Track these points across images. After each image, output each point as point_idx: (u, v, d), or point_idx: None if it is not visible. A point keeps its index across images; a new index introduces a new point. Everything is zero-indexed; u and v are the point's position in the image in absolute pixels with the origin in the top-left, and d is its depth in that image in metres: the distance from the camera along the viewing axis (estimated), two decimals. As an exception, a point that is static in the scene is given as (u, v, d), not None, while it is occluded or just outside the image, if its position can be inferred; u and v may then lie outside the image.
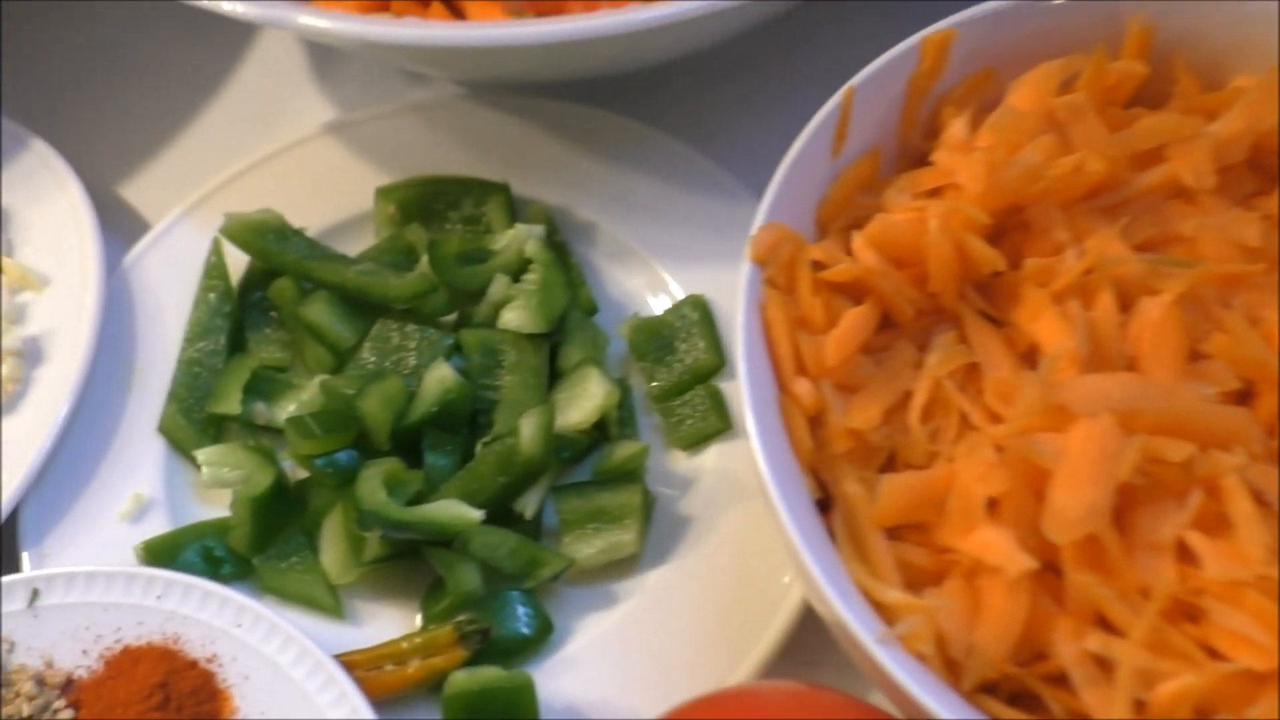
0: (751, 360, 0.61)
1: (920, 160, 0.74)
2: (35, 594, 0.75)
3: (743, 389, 0.60)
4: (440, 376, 0.82)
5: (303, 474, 0.83)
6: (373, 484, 0.75)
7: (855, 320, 0.63)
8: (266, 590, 0.79)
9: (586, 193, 0.92)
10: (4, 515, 0.79)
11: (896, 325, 0.67)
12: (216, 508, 0.84)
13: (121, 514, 0.82)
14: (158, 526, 0.81)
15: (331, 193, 0.95)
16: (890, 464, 0.63)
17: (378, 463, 0.77)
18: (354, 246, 0.92)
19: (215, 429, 0.86)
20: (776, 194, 0.65)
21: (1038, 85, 0.70)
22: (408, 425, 0.81)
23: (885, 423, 0.62)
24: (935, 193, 0.70)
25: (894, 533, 0.61)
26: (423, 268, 0.89)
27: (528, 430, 0.76)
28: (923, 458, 0.62)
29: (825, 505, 0.63)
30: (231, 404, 0.84)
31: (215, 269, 0.90)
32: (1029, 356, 0.66)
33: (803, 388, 0.61)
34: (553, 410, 0.77)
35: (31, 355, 0.88)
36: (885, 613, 0.57)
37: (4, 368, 0.87)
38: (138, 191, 1.02)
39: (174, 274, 0.92)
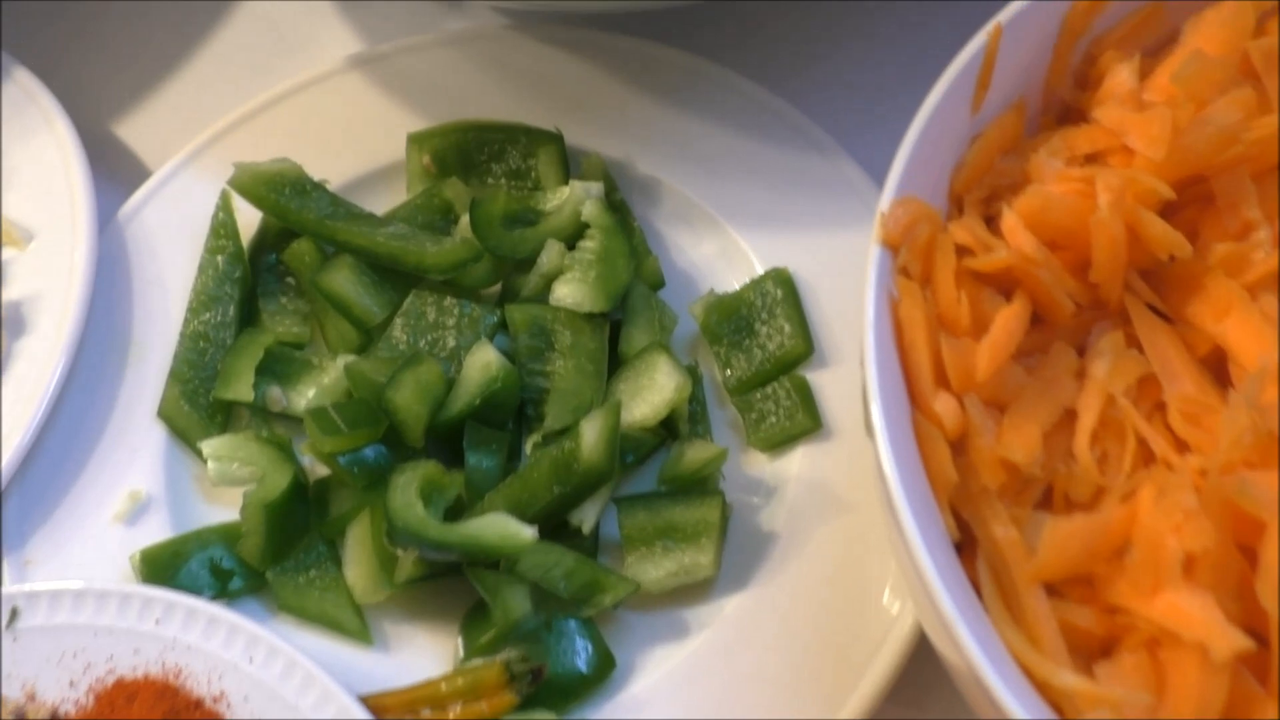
0: (883, 369, 0.49)
1: (1068, 116, 0.61)
2: (15, 613, 0.65)
3: (872, 406, 0.48)
4: (484, 362, 0.70)
5: (323, 470, 0.72)
6: (407, 494, 0.64)
7: (1010, 322, 0.50)
8: (282, 609, 0.69)
9: (648, 143, 0.80)
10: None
11: (1047, 322, 0.55)
12: (225, 508, 0.73)
13: (115, 515, 0.71)
14: (157, 530, 0.71)
15: (356, 139, 0.82)
16: (1046, 499, 0.51)
17: (412, 466, 0.66)
18: (382, 203, 0.80)
19: (223, 415, 0.74)
20: (910, 158, 0.53)
21: (1227, 25, 0.57)
22: (446, 420, 0.69)
23: (1042, 448, 0.50)
24: (1093, 158, 0.57)
25: (1051, 585, 0.50)
26: (463, 231, 0.77)
27: (590, 435, 0.65)
28: (1089, 493, 0.50)
29: (960, 545, 0.52)
30: (243, 388, 0.72)
31: (223, 227, 0.78)
32: (1211, 363, 0.54)
33: (945, 405, 0.49)
34: (618, 411, 0.66)
35: (13, 323, 0.76)
36: (1050, 694, 0.46)
37: (-19, 340, 0.76)
38: (135, 133, 0.90)
39: (177, 231, 0.80)
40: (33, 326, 0.76)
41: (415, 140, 0.81)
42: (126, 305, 0.78)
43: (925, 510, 0.49)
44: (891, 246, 0.52)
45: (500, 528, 0.63)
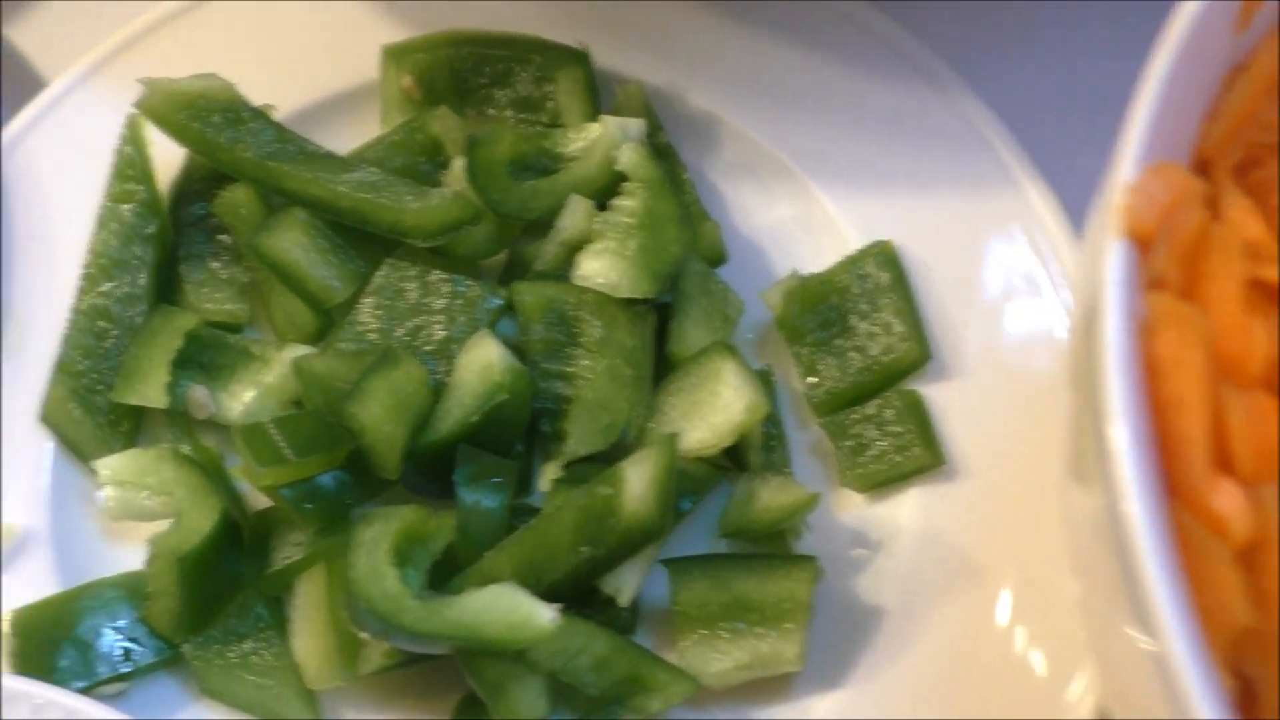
0: (1137, 436, 0.31)
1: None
2: None
3: (1130, 504, 0.31)
4: (485, 362, 0.52)
5: (264, 500, 0.54)
6: (374, 557, 0.46)
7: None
8: (206, 693, 0.51)
9: (703, 68, 0.61)
10: None
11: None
12: (130, 547, 0.55)
13: (-19, 556, 0.53)
14: (36, 578, 0.52)
15: (313, 52, 0.62)
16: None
17: (383, 514, 0.48)
18: (347, 139, 0.61)
19: (131, 423, 0.55)
20: (1161, 99, 0.34)
21: None
22: (432, 443, 0.51)
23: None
24: None
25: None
26: (456, 180, 0.58)
27: (636, 484, 0.46)
28: None
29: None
30: (153, 388, 0.53)
31: (131, 166, 0.58)
32: None
33: (1229, 500, 0.32)
34: (675, 450, 0.48)
35: None
36: None
37: None
38: (22, 35, 0.69)
39: (70, 169, 0.60)
40: None
41: (393, 55, 0.61)
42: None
43: (1192, 655, 0.32)
44: (1142, 242, 0.34)
45: (507, 611, 0.45)
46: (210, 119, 0.57)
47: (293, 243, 0.56)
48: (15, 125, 0.61)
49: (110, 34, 0.65)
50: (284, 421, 0.50)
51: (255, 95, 0.59)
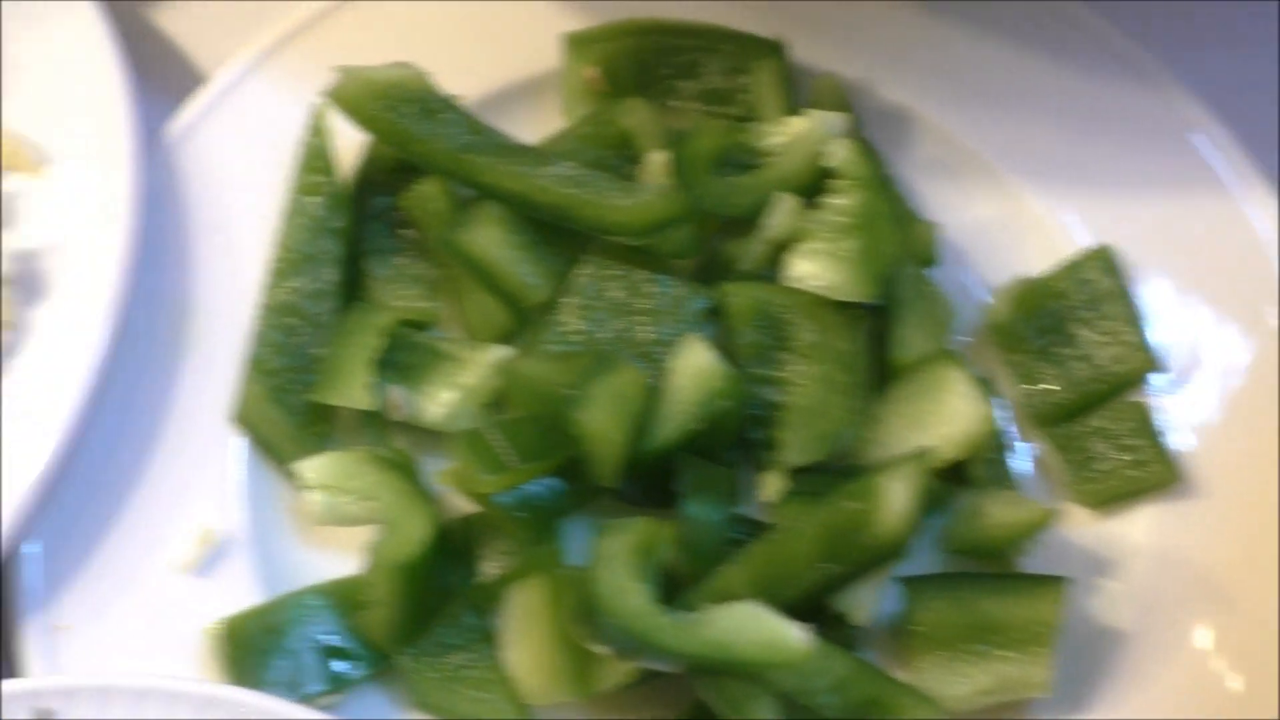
0: None
1: None
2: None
3: None
4: (699, 367, 0.50)
5: (459, 502, 0.52)
6: (616, 573, 0.44)
7: None
8: (420, 706, 0.49)
9: (894, 59, 0.59)
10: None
11: None
12: (327, 551, 0.53)
13: (180, 563, 0.51)
14: (238, 584, 0.51)
15: (489, 40, 0.60)
16: None
17: (619, 527, 0.46)
18: (526, 130, 0.59)
19: (324, 422, 0.54)
20: None
21: None
22: (652, 450, 0.49)
23: None
24: None
25: None
26: (651, 174, 0.56)
27: (899, 499, 0.44)
28: None
29: None
30: (356, 390, 0.51)
31: (317, 159, 0.56)
32: None
33: None
34: (928, 461, 0.46)
35: (27, 282, 0.54)
36: None
37: (-18, 308, 0.55)
38: (183, 23, 0.66)
39: (245, 158, 0.58)
40: (55, 287, 0.54)
41: (576, 44, 0.59)
42: (181, 261, 0.56)
43: None
44: None
45: (759, 631, 0.43)
46: (403, 109, 0.55)
47: (491, 239, 0.54)
48: (186, 116, 0.59)
49: (259, 19, 0.64)
50: (504, 427, 0.49)
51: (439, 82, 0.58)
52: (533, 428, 0.49)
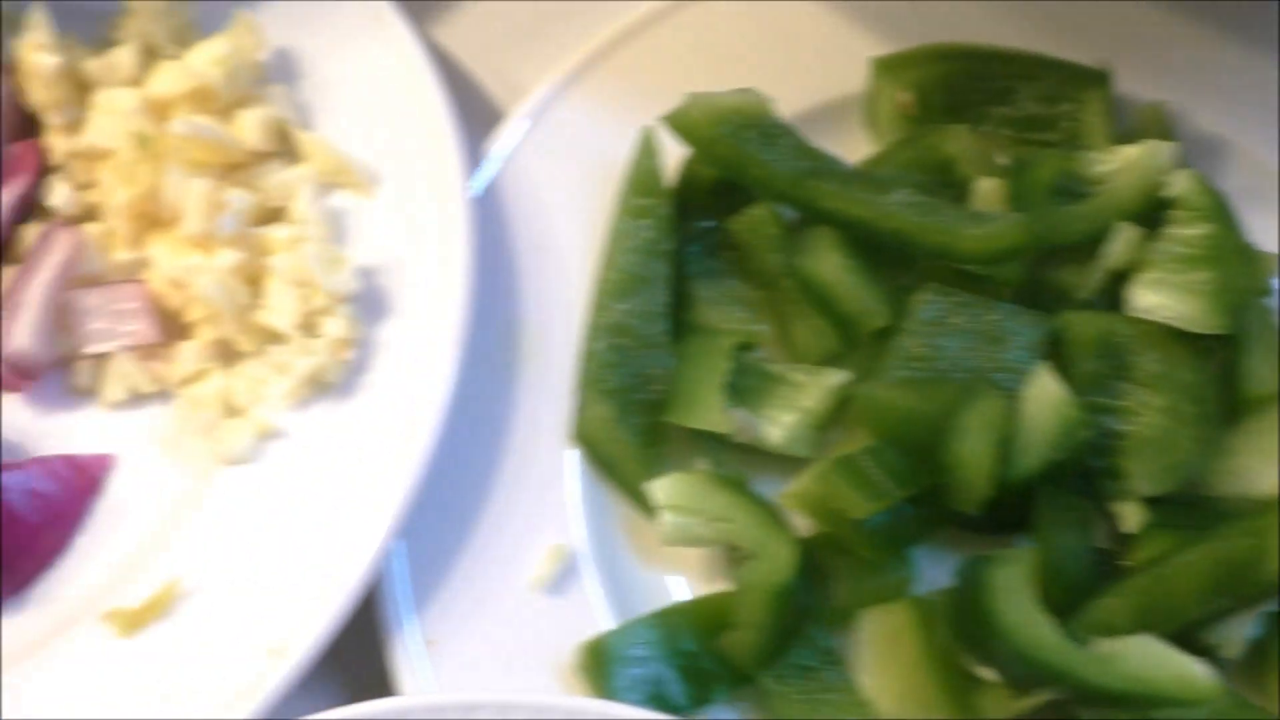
0: None
1: None
2: (447, 738, 0.46)
3: None
4: (1053, 396, 0.50)
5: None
6: (1021, 603, 0.44)
7: None
8: (775, 722, 0.51)
9: (1209, 89, 0.59)
10: (367, 575, 0.49)
11: None
12: (662, 570, 0.54)
13: (535, 579, 0.52)
14: (589, 602, 0.51)
15: (789, 63, 0.61)
16: None
17: (1010, 557, 0.46)
18: (835, 149, 0.58)
19: (661, 443, 0.54)
20: None
21: None
22: (1013, 480, 0.49)
23: None
24: None
25: None
26: (982, 201, 0.56)
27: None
28: None
29: None
30: (713, 413, 0.52)
31: (647, 181, 0.57)
32: None
33: None
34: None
35: (370, 302, 0.55)
36: None
37: (330, 325, 0.55)
38: (485, 50, 0.66)
39: (562, 176, 0.59)
40: (398, 305, 0.55)
41: (886, 69, 0.59)
42: (509, 279, 0.57)
43: None
44: None
45: (1167, 665, 0.44)
46: (745, 134, 0.55)
47: (831, 264, 0.54)
48: (507, 135, 0.60)
49: (532, 29, 0.65)
50: (874, 454, 0.49)
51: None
52: (895, 455, 0.50)
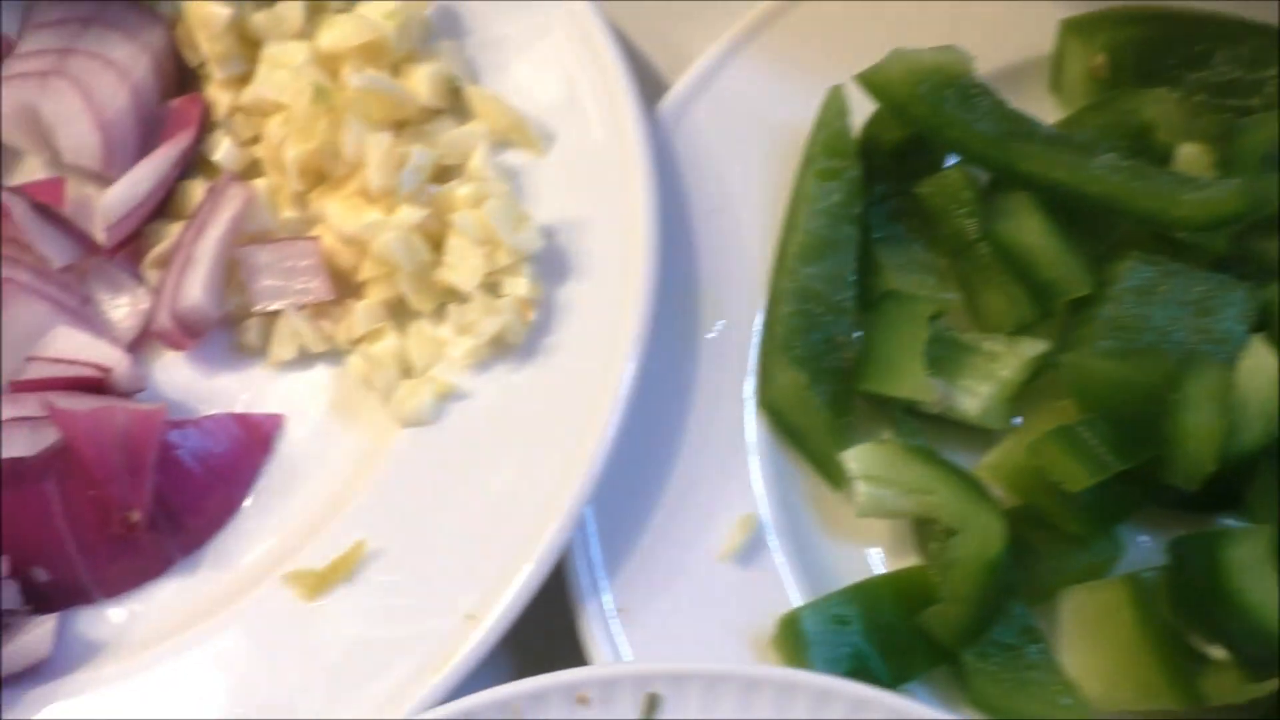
0: None
1: None
2: (654, 702, 0.45)
3: None
4: (1266, 369, 0.48)
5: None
6: (1264, 578, 0.42)
7: None
8: (976, 704, 0.48)
9: None
10: (558, 540, 0.48)
11: None
12: (847, 542, 0.52)
13: (724, 550, 0.50)
14: (779, 574, 0.50)
15: (968, 22, 0.58)
16: None
17: (1248, 534, 0.44)
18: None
19: (850, 412, 0.53)
20: None
21: None
22: (1232, 455, 0.47)
23: None
24: None
25: None
26: (1187, 166, 0.54)
27: None
28: None
29: None
30: (916, 382, 0.50)
31: (837, 142, 0.55)
32: None
33: None
34: None
35: (552, 261, 0.54)
36: None
37: (513, 284, 0.53)
38: (646, 15, 0.63)
39: (733, 138, 0.57)
40: (577, 267, 0.53)
41: (1077, 31, 0.57)
42: (686, 241, 0.56)
43: None
44: None
45: None
46: (944, 93, 0.53)
47: (1033, 230, 0.52)
48: (676, 92, 0.58)
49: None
50: (1092, 425, 0.47)
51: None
52: (1112, 427, 0.48)
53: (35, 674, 0.50)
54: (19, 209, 0.53)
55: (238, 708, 0.48)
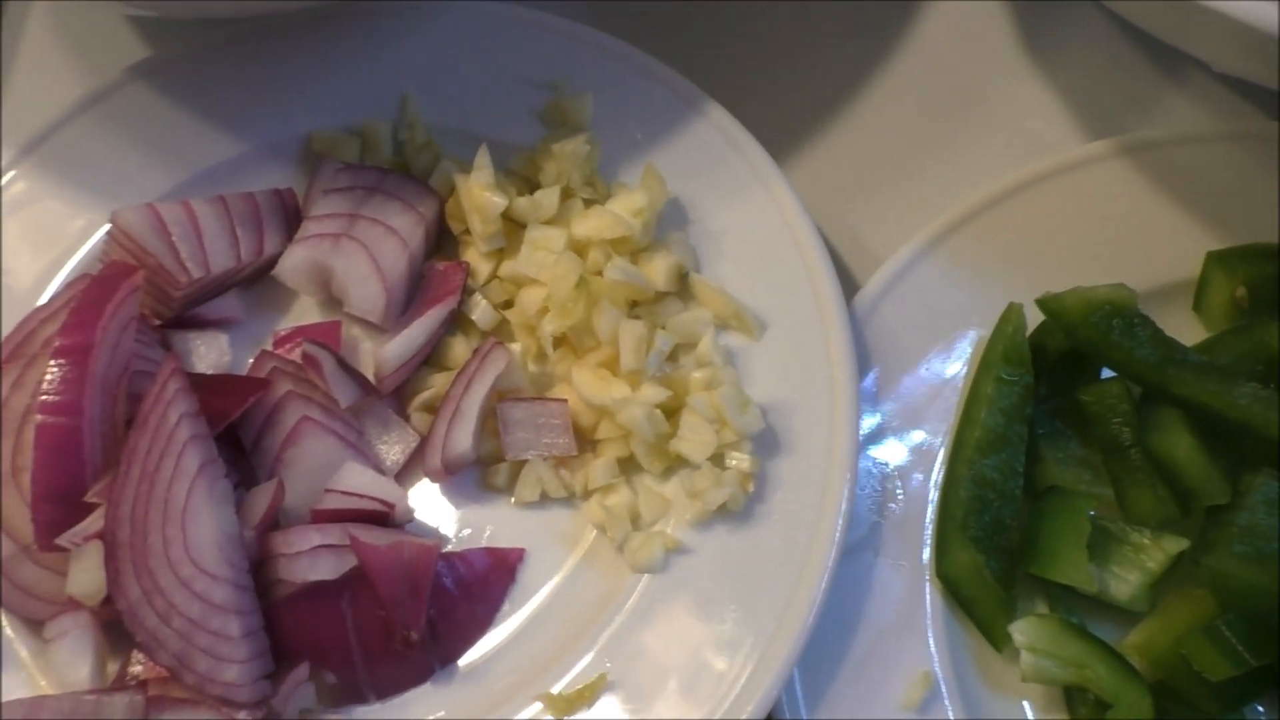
0: None
1: None
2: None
3: None
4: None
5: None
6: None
7: None
8: None
9: None
10: (772, 689, 0.57)
11: None
12: (1007, 696, 0.61)
13: (905, 702, 0.59)
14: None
15: (1115, 243, 0.68)
16: None
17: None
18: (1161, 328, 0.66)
19: (1012, 589, 0.62)
20: None
21: None
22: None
23: None
24: None
25: None
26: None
27: None
28: None
29: None
30: (1079, 570, 0.59)
31: (1016, 352, 0.64)
32: None
33: None
34: None
35: (765, 439, 0.63)
36: None
37: (734, 459, 0.62)
38: (845, 206, 0.75)
39: (914, 331, 0.67)
40: (786, 443, 0.63)
41: (1220, 261, 0.66)
42: (880, 420, 0.66)
43: None
44: None
45: None
46: (1111, 321, 0.63)
47: (1183, 444, 0.61)
48: (870, 288, 0.67)
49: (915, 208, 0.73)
50: (1233, 625, 0.56)
51: (1061, 279, 0.65)
52: (1244, 627, 0.57)
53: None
54: (328, 364, 0.63)
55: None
